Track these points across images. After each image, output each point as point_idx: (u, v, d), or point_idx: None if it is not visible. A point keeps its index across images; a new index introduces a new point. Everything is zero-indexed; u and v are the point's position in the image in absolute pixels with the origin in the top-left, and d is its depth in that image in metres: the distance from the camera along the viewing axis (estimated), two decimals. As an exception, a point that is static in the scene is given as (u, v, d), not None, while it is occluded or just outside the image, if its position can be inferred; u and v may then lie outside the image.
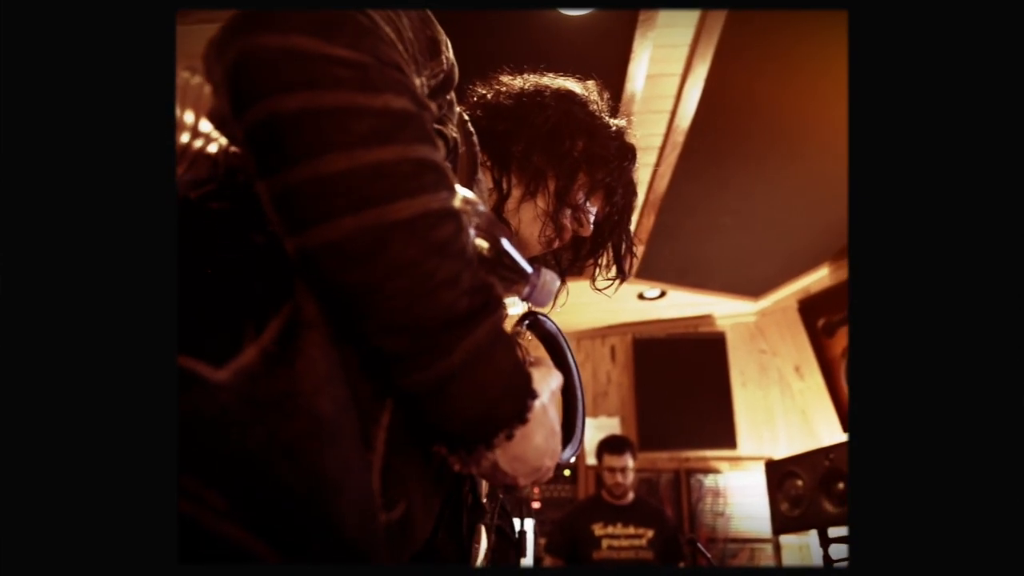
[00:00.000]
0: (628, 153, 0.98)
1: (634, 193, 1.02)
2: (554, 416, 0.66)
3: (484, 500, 0.80)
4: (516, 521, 0.94)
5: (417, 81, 0.60)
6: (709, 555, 2.09)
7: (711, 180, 3.28)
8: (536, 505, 4.62)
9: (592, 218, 0.96)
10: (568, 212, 0.93)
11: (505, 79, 1.00)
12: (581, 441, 0.81)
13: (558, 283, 0.70)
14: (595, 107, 0.97)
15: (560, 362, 0.83)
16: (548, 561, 3.61)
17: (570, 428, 0.80)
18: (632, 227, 1.03)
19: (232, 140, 0.60)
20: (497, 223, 0.66)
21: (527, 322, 0.83)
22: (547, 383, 0.66)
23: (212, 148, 0.62)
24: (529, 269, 0.67)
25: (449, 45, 0.70)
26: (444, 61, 0.67)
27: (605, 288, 1.04)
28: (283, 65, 0.49)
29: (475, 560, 0.78)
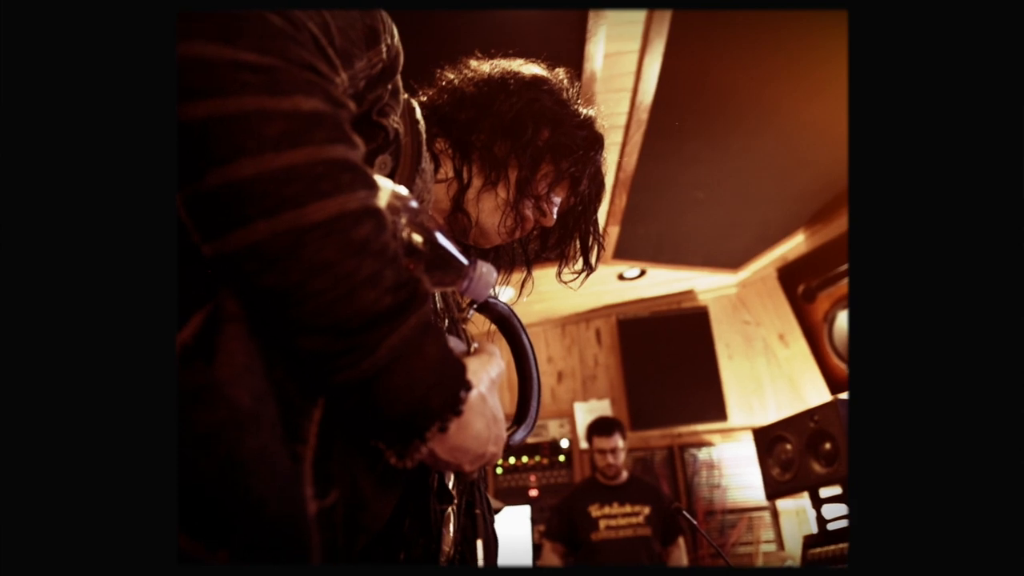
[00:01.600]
0: (595, 143, 0.97)
1: (602, 184, 1.01)
2: (495, 403, 0.67)
3: (450, 485, 0.80)
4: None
5: (345, 76, 0.60)
6: (695, 521, 2.11)
7: (679, 156, 3.28)
8: (533, 492, 4.64)
9: (556, 208, 0.96)
10: (530, 202, 0.92)
11: (473, 63, 0.98)
12: (535, 422, 0.81)
13: (495, 275, 0.70)
14: (564, 95, 0.96)
15: (515, 344, 0.83)
16: (547, 547, 3.63)
17: (524, 410, 0.80)
18: (603, 212, 1.03)
19: None
20: (431, 217, 0.66)
21: (476, 306, 0.83)
22: (486, 371, 0.66)
23: None
24: (465, 261, 0.68)
25: (394, 33, 0.69)
26: (384, 50, 0.66)
27: (571, 281, 1.04)
28: (186, 73, 0.48)
29: (445, 543, 0.78)
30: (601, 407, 4.84)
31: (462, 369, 0.61)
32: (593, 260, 1.03)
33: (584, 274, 1.04)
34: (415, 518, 0.74)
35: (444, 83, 0.97)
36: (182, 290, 0.53)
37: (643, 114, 2.91)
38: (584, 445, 4.37)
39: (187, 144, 0.49)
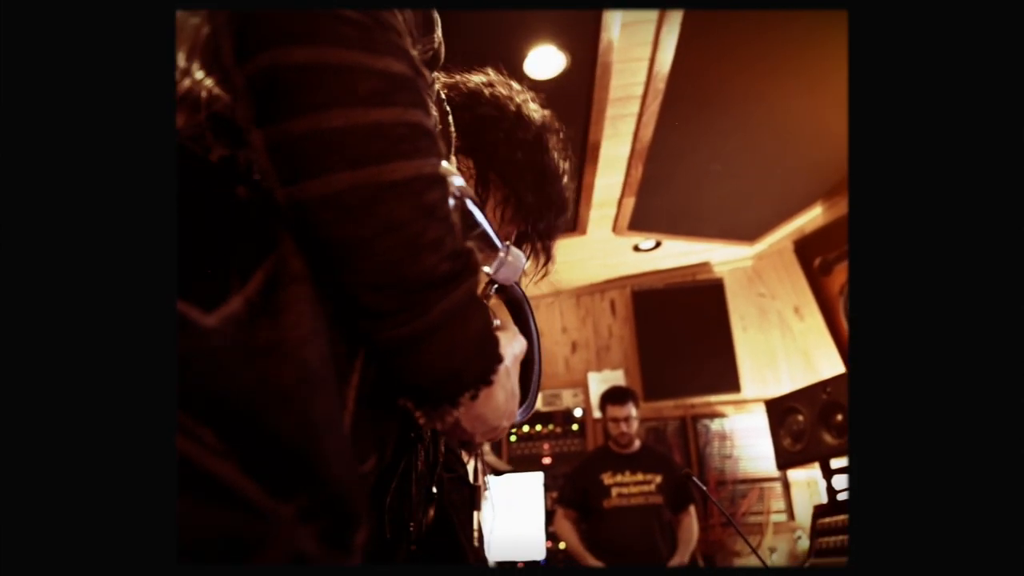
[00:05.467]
0: (565, 206, 0.98)
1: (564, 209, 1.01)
2: (515, 379, 0.69)
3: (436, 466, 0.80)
4: (475, 475, 0.95)
5: (413, 52, 0.61)
6: (704, 488, 2.15)
7: (696, 126, 3.26)
8: (547, 460, 4.71)
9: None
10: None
11: (475, 79, 0.97)
12: (534, 404, 0.83)
13: (523, 262, 0.72)
14: (556, 141, 0.96)
15: (523, 327, 0.86)
16: (560, 513, 3.69)
17: (525, 391, 0.83)
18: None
19: (223, 86, 0.60)
20: (472, 196, 0.68)
21: (496, 286, 0.85)
22: (511, 347, 0.69)
23: (201, 93, 0.62)
24: (500, 244, 0.69)
25: (440, 24, 0.71)
26: (436, 39, 0.69)
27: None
28: (291, 16, 0.50)
29: (422, 523, 0.77)
30: (615, 377, 4.87)
31: (497, 342, 0.63)
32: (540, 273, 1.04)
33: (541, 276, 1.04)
34: (396, 497, 0.73)
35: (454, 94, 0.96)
36: (241, 245, 0.53)
37: (660, 84, 2.89)
38: (597, 415, 4.42)
39: (278, 85, 0.50)
